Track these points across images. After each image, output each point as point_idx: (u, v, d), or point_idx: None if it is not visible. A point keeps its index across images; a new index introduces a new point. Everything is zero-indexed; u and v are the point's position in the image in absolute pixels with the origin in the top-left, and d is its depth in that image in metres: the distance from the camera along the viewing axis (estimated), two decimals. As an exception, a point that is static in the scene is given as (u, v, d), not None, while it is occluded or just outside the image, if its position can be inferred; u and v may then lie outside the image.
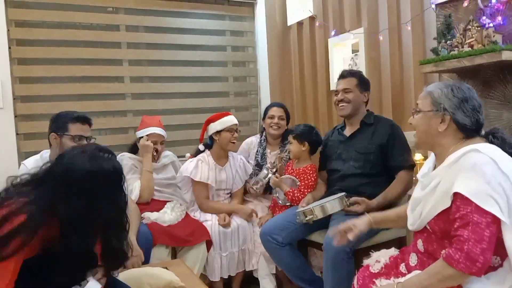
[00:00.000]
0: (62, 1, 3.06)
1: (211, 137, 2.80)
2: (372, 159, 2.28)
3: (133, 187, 2.53)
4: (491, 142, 1.38)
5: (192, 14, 3.53)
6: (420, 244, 1.49)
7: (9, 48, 2.88)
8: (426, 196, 1.43)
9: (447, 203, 1.33)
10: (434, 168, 1.51)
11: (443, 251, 1.33)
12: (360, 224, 1.70)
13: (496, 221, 1.24)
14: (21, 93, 2.95)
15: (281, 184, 2.56)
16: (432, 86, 1.50)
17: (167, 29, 3.45)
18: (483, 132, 1.45)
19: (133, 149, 2.76)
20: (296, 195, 2.49)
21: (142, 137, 2.68)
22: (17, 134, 2.89)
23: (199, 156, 2.78)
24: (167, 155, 2.85)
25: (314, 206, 2.15)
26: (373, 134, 2.32)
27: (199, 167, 2.72)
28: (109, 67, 3.24)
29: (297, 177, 2.56)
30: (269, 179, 2.68)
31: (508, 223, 1.24)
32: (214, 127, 2.75)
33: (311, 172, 2.55)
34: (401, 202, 2.30)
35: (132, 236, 2.09)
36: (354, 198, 2.16)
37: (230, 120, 2.76)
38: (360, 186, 2.26)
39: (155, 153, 2.69)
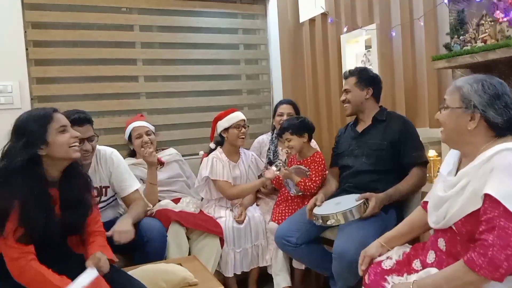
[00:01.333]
0: (77, 2, 3.11)
1: (221, 135, 2.83)
2: (384, 155, 2.27)
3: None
4: None
5: (205, 13, 3.55)
6: (442, 243, 1.45)
7: (27, 49, 2.95)
8: (454, 195, 1.37)
9: (477, 204, 1.28)
10: (459, 165, 1.47)
11: (464, 257, 1.28)
12: (370, 250, 1.67)
13: None
14: (39, 93, 3.02)
15: (292, 175, 2.56)
16: (462, 80, 1.42)
17: (180, 28, 3.48)
18: None
19: (131, 153, 2.82)
20: (308, 184, 2.51)
21: (131, 140, 2.77)
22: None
23: (213, 154, 2.81)
24: (171, 153, 2.88)
25: (334, 212, 2.08)
26: (385, 131, 2.31)
27: (215, 165, 2.75)
28: (124, 66, 3.29)
29: (307, 166, 2.58)
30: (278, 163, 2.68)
31: None
32: (221, 124, 2.80)
33: (320, 159, 2.59)
34: (414, 199, 2.29)
35: (127, 215, 2.15)
36: (362, 195, 2.13)
37: (236, 116, 2.79)
38: (372, 182, 2.26)
39: (150, 144, 2.72)
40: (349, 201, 2.15)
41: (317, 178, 2.53)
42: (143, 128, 2.78)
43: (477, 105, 1.34)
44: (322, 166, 2.58)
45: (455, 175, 1.43)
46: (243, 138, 2.80)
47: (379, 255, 1.66)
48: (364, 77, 2.42)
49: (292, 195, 2.64)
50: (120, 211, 2.49)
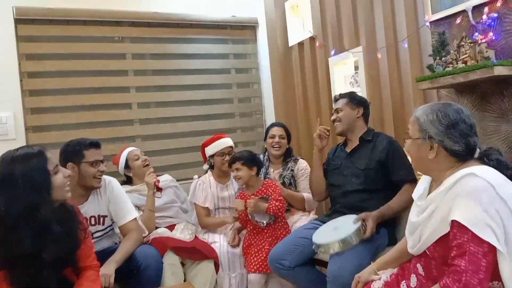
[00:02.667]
0: (70, 33, 3.19)
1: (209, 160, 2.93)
2: (373, 175, 2.31)
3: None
4: (487, 164, 1.36)
5: (196, 40, 3.64)
6: (420, 268, 1.48)
7: (21, 80, 3.00)
8: (424, 221, 1.41)
9: (445, 229, 1.31)
10: (430, 190, 1.50)
11: (440, 282, 1.30)
12: (364, 275, 1.69)
13: (493, 249, 1.23)
14: (33, 123, 3.06)
15: (258, 204, 2.51)
16: (420, 110, 1.47)
17: (173, 55, 3.55)
18: (477, 153, 1.42)
19: (126, 182, 2.84)
20: (276, 204, 2.50)
21: (128, 167, 2.80)
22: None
23: (199, 179, 2.91)
24: (166, 179, 2.91)
25: (336, 240, 2.06)
26: (372, 151, 2.35)
27: (197, 190, 2.85)
28: (117, 94, 3.35)
29: (265, 194, 2.58)
30: None
31: (504, 252, 1.23)
32: (207, 151, 2.90)
33: (273, 183, 2.63)
34: (405, 218, 2.30)
35: (113, 260, 2.08)
36: (359, 217, 2.14)
37: (220, 144, 2.86)
38: (362, 201, 2.29)
39: (148, 163, 2.79)
40: (346, 223, 2.15)
41: (281, 198, 2.55)
42: (137, 151, 2.85)
43: (433, 135, 1.39)
44: (278, 188, 2.61)
45: (426, 199, 1.47)
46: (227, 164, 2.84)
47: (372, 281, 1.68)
48: (355, 98, 2.50)
49: (262, 227, 2.57)
50: (116, 240, 2.49)
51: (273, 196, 2.56)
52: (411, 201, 2.23)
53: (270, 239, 2.55)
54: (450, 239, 1.29)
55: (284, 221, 2.65)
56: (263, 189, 2.61)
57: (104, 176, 2.35)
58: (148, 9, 3.39)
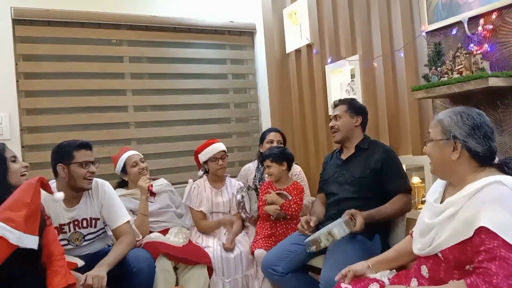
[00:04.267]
0: (67, 35, 3.18)
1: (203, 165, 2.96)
2: (367, 183, 2.32)
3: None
4: (506, 173, 1.38)
5: (194, 44, 3.64)
6: (424, 270, 1.48)
7: (17, 81, 2.99)
8: (441, 223, 1.41)
9: (468, 234, 1.31)
10: (444, 194, 1.51)
11: (466, 280, 1.29)
12: (355, 266, 1.68)
13: None
14: (28, 124, 3.05)
15: (276, 197, 2.63)
16: (442, 113, 1.50)
17: (170, 59, 3.55)
18: (496, 160, 1.44)
19: (122, 184, 2.84)
20: (293, 206, 2.60)
21: (125, 171, 2.80)
22: (24, 164, 2.98)
23: (194, 183, 2.92)
24: (161, 184, 2.91)
25: (324, 232, 2.11)
26: (368, 159, 2.36)
27: (192, 193, 2.87)
28: (113, 97, 3.34)
29: (289, 193, 2.66)
30: (242, 197, 2.82)
31: None
32: (201, 158, 2.92)
33: (301, 188, 2.70)
34: (399, 226, 2.32)
35: (104, 262, 2.06)
36: (347, 211, 2.15)
37: (212, 150, 2.88)
38: (357, 208, 2.29)
39: (146, 171, 2.79)
40: (336, 221, 2.17)
41: (300, 203, 2.64)
42: (137, 156, 2.84)
43: (458, 136, 1.42)
44: (302, 194, 2.69)
45: (441, 202, 1.48)
46: (222, 169, 2.90)
47: (363, 274, 1.67)
48: (354, 105, 2.49)
49: (272, 219, 2.67)
50: (109, 243, 2.48)
51: (293, 198, 2.63)
52: (405, 210, 2.28)
53: (280, 234, 2.63)
54: (476, 244, 1.29)
55: (296, 222, 2.67)
56: (290, 188, 2.69)
57: (97, 179, 2.35)
58: (147, 13, 3.40)
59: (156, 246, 2.44)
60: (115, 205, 2.35)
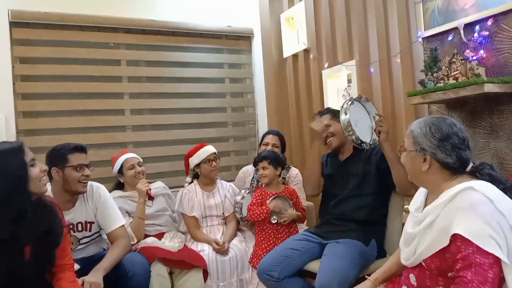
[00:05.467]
0: (65, 37, 3.19)
1: (194, 169, 2.94)
2: (369, 180, 2.31)
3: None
4: (479, 179, 1.38)
5: (191, 48, 3.65)
6: (412, 278, 1.49)
7: (14, 84, 2.99)
8: (421, 232, 1.42)
9: (445, 242, 1.33)
10: (426, 202, 1.52)
11: None
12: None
13: (498, 261, 1.25)
14: (25, 127, 3.04)
15: (281, 206, 2.64)
16: (415, 123, 1.52)
17: (167, 63, 3.56)
18: (469, 167, 1.44)
19: (119, 186, 2.83)
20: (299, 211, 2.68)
21: (122, 172, 2.78)
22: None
23: (185, 189, 2.91)
24: (158, 187, 2.91)
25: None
26: (368, 157, 2.35)
27: (183, 199, 2.85)
28: (110, 100, 3.34)
29: (289, 198, 2.69)
30: (242, 197, 2.82)
31: (510, 263, 1.24)
32: (193, 161, 2.90)
33: (295, 193, 2.71)
34: (394, 230, 2.32)
35: (101, 267, 2.05)
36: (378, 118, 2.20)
37: (205, 151, 2.87)
38: (354, 210, 2.30)
39: (141, 175, 2.78)
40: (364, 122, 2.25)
41: (302, 207, 2.70)
42: (135, 159, 2.82)
43: (426, 148, 1.44)
44: (300, 200, 2.74)
45: (422, 211, 1.49)
46: (215, 170, 2.89)
47: None
48: (336, 113, 2.46)
49: (273, 222, 2.65)
50: (104, 246, 2.47)
51: (296, 206, 2.68)
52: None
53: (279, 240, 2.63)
54: (453, 252, 1.30)
55: (295, 228, 2.72)
56: (286, 192, 2.71)
57: (92, 182, 2.34)
58: (144, 17, 3.40)
59: (152, 251, 2.43)
60: (109, 209, 2.34)
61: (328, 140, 2.47)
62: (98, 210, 2.31)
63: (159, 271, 2.38)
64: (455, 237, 1.29)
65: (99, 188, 2.36)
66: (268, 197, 2.67)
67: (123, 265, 2.17)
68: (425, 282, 1.42)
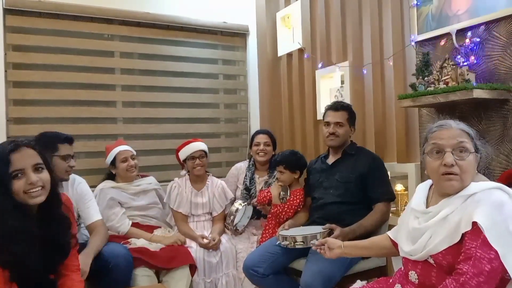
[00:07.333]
0: (59, 27, 3.16)
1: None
2: (352, 188, 2.34)
3: (122, 224, 2.62)
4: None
5: (186, 43, 3.64)
6: (413, 276, 1.45)
7: (5, 71, 2.96)
8: (434, 226, 1.39)
9: (459, 236, 1.31)
10: (427, 201, 1.50)
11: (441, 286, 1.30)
12: (331, 240, 1.77)
13: (499, 259, 1.23)
14: (15, 115, 3.02)
15: (277, 192, 2.68)
16: (459, 123, 1.45)
17: (161, 57, 3.54)
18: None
19: (111, 176, 2.82)
20: (282, 212, 2.63)
21: (114, 164, 2.78)
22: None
23: (175, 182, 2.91)
24: (150, 182, 2.91)
25: (296, 234, 2.18)
26: (354, 164, 2.39)
27: (172, 193, 2.86)
28: (102, 91, 3.32)
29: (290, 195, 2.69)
30: (237, 210, 2.78)
31: None
32: (180, 156, 2.92)
33: (298, 195, 2.66)
34: (380, 232, 2.34)
35: (86, 252, 2.14)
36: (327, 225, 2.20)
37: (190, 148, 2.86)
38: (340, 214, 2.32)
39: (134, 169, 2.78)
40: (316, 229, 2.23)
41: (289, 210, 2.64)
42: (129, 152, 2.81)
43: (479, 147, 1.44)
44: (298, 201, 2.65)
45: (427, 207, 1.48)
46: (198, 168, 2.85)
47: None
48: (353, 115, 2.51)
49: (283, 202, 2.68)
50: (83, 238, 2.49)
51: (288, 202, 2.66)
52: (383, 220, 2.32)
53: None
54: (462, 246, 1.30)
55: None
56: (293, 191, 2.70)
57: (74, 176, 2.43)
58: (140, 9, 3.38)
59: (139, 253, 2.42)
60: (88, 202, 2.45)
61: (330, 138, 2.46)
62: (77, 204, 2.38)
63: (145, 273, 2.40)
64: (472, 226, 1.28)
65: (81, 184, 2.48)
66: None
67: (104, 256, 2.21)
68: (430, 279, 1.39)
